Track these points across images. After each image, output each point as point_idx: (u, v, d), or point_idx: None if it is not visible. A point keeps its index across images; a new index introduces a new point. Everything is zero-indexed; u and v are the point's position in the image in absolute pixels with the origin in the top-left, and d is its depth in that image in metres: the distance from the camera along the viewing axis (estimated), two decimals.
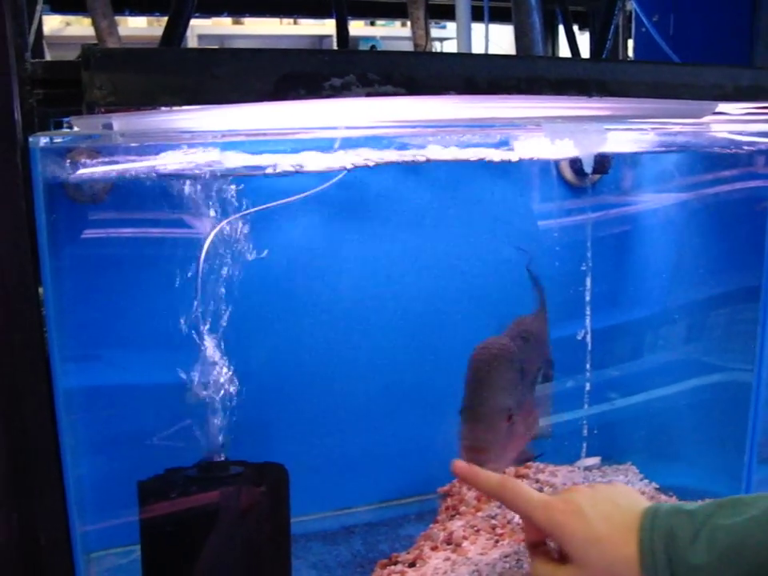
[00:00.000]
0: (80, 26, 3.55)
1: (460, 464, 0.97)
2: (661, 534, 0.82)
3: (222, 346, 1.14)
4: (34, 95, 0.88)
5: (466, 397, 1.11)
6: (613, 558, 0.83)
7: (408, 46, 3.04)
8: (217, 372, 1.15)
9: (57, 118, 1.24)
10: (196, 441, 1.14)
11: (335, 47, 1.78)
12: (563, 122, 1.14)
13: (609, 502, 0.87)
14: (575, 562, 0.85)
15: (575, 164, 1.54)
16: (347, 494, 1.47)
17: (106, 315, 1.24)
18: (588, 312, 1.21)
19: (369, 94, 0.96)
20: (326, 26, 4.02)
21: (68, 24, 3.57)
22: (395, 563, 1.30)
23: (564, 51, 1.88)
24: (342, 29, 1.75)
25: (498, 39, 2.12)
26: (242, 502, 1.08)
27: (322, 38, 4.17)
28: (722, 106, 1.20)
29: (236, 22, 4.06)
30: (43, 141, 0.87)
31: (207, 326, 1.13)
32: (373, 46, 2.46)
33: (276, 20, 3.95)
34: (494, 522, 1.40)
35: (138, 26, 3.76)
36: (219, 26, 4.01)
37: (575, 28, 1.85)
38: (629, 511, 0.86)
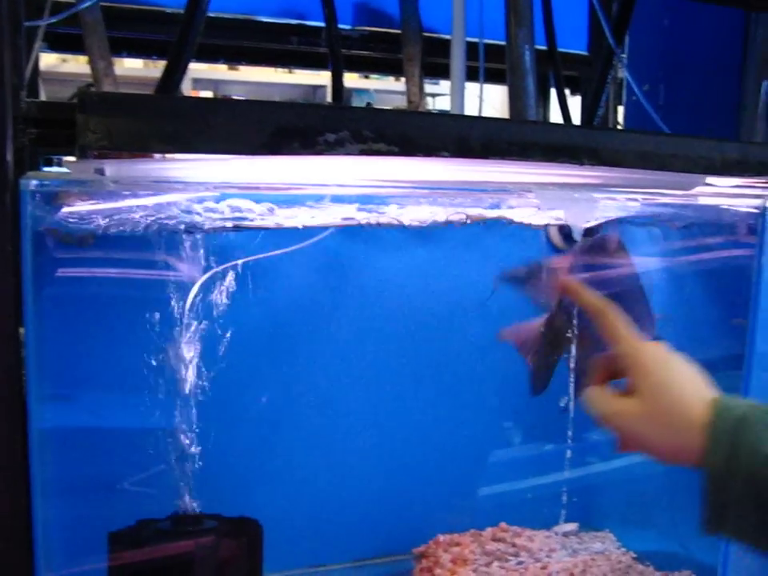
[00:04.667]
0: (76, 63, 3.57)
1: (566, 279, 1.01)
2: (735, 413, 0.83)
3: (200, 395, 1.13)
4: (27, 134, 0.88)
5: None
6: (681, 408, 0.85)
7: (401, 100, 3.07)
8: (193, 421, 1.13)
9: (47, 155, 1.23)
10: (170, 489, 1.12)
11: (329, 98, 1.79)
12: (554, 188, 1.14)
13: (693, 370, 0.89)
14: (641, 396, 0.87)
15: (564, 228, 1.55)
16: (321, 552, 1.45)
17: (86, 357, 1.23)
18: (571, 379, 1.21)
19: (362, 152, 0.96)
20: (321, 77, 4.05)
21: (64, 60, 3.59)
22: None
23: (555, 114, 1.91)
24: (337, 81, 1.77)
25: (490, 98, 2.15)
26: (214, 557, 1.06)
27: (316, 87, 4.21)
28: (710, 178, 1.21)
29: (231, 68, 4.10)
30: (34, 183, 0.86)
31: (186, 372, 1.13)
32: (369, 103, 2.48)
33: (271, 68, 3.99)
34: None
35: (135, 67, 3.77)
36: (214, 70, 4.04)
37: (567, 92, 1.88)
38: (709, 383, 0.88)
